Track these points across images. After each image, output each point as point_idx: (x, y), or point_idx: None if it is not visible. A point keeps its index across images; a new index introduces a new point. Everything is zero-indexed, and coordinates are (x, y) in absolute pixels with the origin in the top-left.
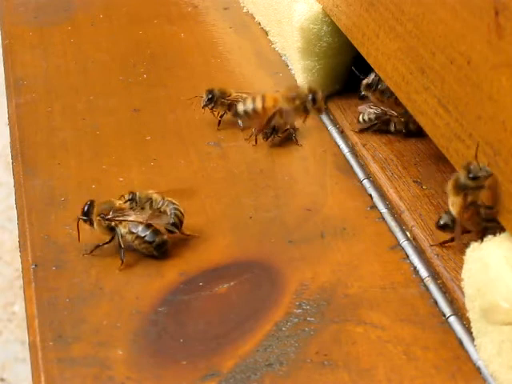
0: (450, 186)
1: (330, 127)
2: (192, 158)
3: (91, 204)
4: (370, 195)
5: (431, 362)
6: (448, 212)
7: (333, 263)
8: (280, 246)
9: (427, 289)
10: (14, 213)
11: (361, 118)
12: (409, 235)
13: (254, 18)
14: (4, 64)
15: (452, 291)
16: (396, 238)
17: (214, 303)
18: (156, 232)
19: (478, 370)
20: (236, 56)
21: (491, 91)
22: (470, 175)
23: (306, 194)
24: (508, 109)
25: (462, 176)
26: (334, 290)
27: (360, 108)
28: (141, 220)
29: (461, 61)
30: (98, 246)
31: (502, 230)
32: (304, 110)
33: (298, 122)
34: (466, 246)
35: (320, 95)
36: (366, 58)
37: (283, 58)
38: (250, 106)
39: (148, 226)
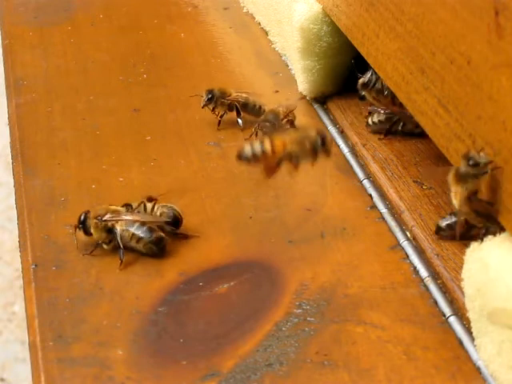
0: (451, 176)
1: (330, 127)
2: (192, 158)
3: (87, 213)
4: (370, 195)
5: (431, 361)
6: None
7: (333, 263)
8: (280, 246)
9: (427, 289)
10: (14, 213)
11: (370, 121)
12: (409, 235)
13: (254, 18)
14: (4, 64)
15: (452, 291)
16: (396, 238)
17: (214, 303)
18: (152, 229)
19: (478, 370)
20: (236, 56)
21: (491, 91)
22: (471, 162)
23: (306, 194)
24: (508, 109)
25: (462, 165)
26: (334, 290)
27: (369, 109)
28: (137, 218)
29: (461, 61)
30: (98, 245)
31: (502, 229)
32: (313, 153)
33: (297, 122)
34: (466, 246)
35: (329, 138)
36: (365, 57)
37: (283, 58)
38: (258, 148)
39: (143, 223)
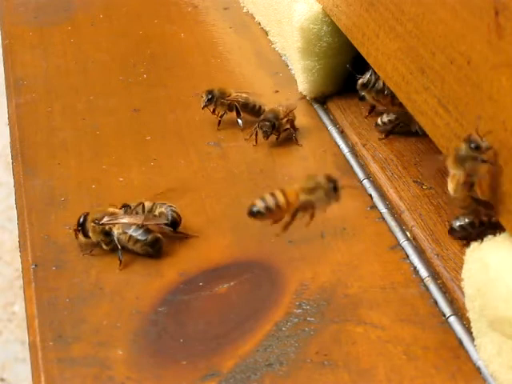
0: (450, 159)
1: (330, 127)
2: (192, 158)
3: (86, 216)
4: (370, 195)
5: (431, 361)
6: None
7: (333, 263)
8: (280, 246)
9: (427, 289)
10: (14, 213)
11: (379, 121)
12: (409, 235)
13: (254, 18)
14: (4, 64)
15: (452, 291)
16: (396, 238)
17: (214, 303)
18: (148, 230)
19: (478, 370)
20: (236, 56)
21: (491, 91)
22: (472, 145)
23: None
24: (508, 109)
25: (463, 148)
26: (334, 290)
27: (380, 109)
28: (134, 222)
29: (461, 61)
30: (97, 245)
31: (502, 229)
32: (326, 200)
33: (297, 122)
34: (466, 246)
35: (339, 184)
36: (365, 58)
37: (283, 58)
38: (271, 202)
39: (140, 225)
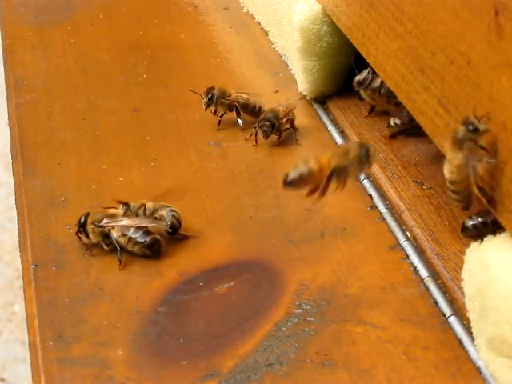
0: (448, 142)
1: (330, 127)
2: (192, 158)
3: (86, 216)
4: (370, 195)
5: (431, 361)
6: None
7: (333, 263)
8: (280, 246)
9: (427, 289)
10: (14, 213)
11: (392, 122)
12: (409, 235)
13: (254, 18)
14: (4, 64)
15: (452, 291)
16: (396, 238)
17: (214, 303)
18: (147, 232)
19: (478, 370)
20: (236, 56)
21: (491, 91)
22: (470, 127)
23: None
24: (508, 109)
25: (460, 130)
26: (334, 290)
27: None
28: (133, 224)
29: (461, 61)
30: (97, 245)
31: (502, 229)
32: (358, 165)
33: (297, 122)
34: (466, 246)
35: (371, 149)
36: (365, 57)
37: (283, 58)
38: (304, 169)
39: (139, 227)
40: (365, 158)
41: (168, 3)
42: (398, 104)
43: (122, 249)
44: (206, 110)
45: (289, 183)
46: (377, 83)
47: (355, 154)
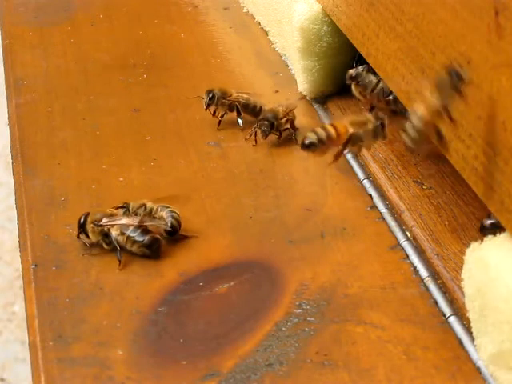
0: (428, 85)
1: None
2: (192, 158)
3: (86, 216)
4: (370, 195)
5: (431, 361)
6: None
7: (333, 263)
8: (280, 246)
9: (427, 289)
10: (14, 213)
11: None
12: (409, 235)
13: (254, 18)
14: (4, 64)
15: (452, 291)
16: (396, 238)
17: (214, 303)
18: (146, 231)
19: (478, 370)
20: (236, 56)
21: (491, 91)
22: (453, 73)
23: (306, 193)
24: (508, 109)
25: (443, 76)
26: (334, 290)
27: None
28: (132, 223)
29: (461, 61)
30: (98, 244)
31: (502, 229)
32: (373, 136)
33: (297, 122)
34: (466, 246)
35: (387, 121)
36: (366, 57)
37: (283, 58)
38: (323, 134)
39: (138, 226)
40: (380, 129)
41: (168, 3)
42: (388, 103)
43: (122, 248)
44: (206, 109)
45: (307, 146)
46: (371, 81)
47: (371, 124)
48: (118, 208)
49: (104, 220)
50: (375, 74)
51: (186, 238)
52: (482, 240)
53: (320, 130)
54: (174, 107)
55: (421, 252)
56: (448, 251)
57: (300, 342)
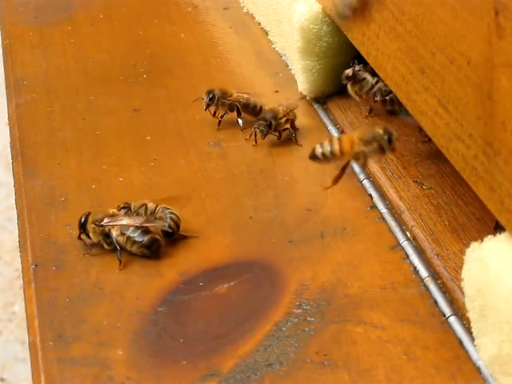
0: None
1: (330, 127)
2: (192, 158)
3: (87, 216)
4: (370, 195)
5: (431, 361)
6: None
7: (333, 263)
8: (280, 246)
9: (427, 289)
10: (14, 213)
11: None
12: (409, 235)
13: (254, 18)
14: (4, 64)
15: (452, 291)
16: (396, 238)
17: (214, 303)
18: (146, 232)
19: (478, 370)
20: (236, 56)
21: (491, 91)
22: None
23: (306, 194)
24: (508, 109)
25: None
26: (334, 290)
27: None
28: (133, 223)
29: (461, 61)
30: (98, 243)
31: (502, 230)
32: (380, 151)
33: (298, 122)
34: (466, 246)
35: (395, 135)
36: (365, 58)
37: (283, 58)
38: (327, 149)
39: (138, 227)
40: (387, 143)
41: (168, 3)
42: (385, 102)
43: (122, 249)
44: (206, 109)
45: (312, 158)
46: (367, 81)
47: (378, 140)
48: (120, 209)
49: (105, 220)
50: (371, 74)
51: (185, 238)
52: (482, 240)
53: (326, 145)
54: (174, 107)
55: (421, 252)
56: (448, 251)
57: (300, 342)
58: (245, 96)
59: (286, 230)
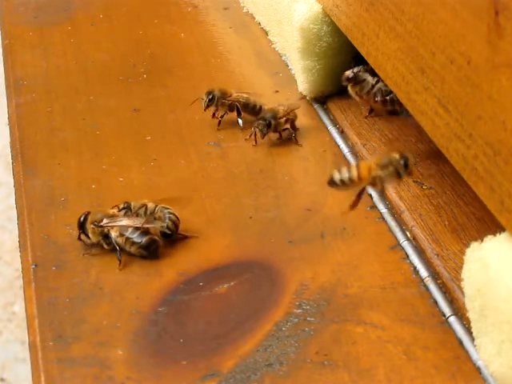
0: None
1: (330, 127)
2: (192, 158)
3: (86, 216)
4: (370, 195)
5: (431, 361)
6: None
7: (333, 263)
8: (280, 246)
9: (427, 289)
10: (14, 213)
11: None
12: (409, 235)
13: (254, 18)
14: (4, 64)
15: (452, 291)
16: (396, 238)
17: (214, 303)
18: (145, 233)
19: (478, 370)
20: (236, 56)
21: (491, 91)
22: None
23: (306, 194)
24: (508, 109)
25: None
26: (334, 290)
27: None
28: (132, 224)
29: (461, 61)
30: (97, 243)
31: (502, 229)
32: (397, 175)
33: (298, 122)
34: (466, 246)
35: (411, 160)
36: (366, 57)
37: (283, 58)
38: (345, 175)
39: (137, 228)
40: (403, 168)
41: (168, 3)
42: (385, 103)
43: (121, 249)
44: (205, 110)
45: (331, 184)
46: (367, 82)
47: (395, 165)
48: (120, 209)
49: (104, 221)
50: (371, 74)
51: (185, 237)
52: (482, 240)
53: (344, 172)
54: (174, 107)
55: (421, 252)
56: (448, 251)
57: (300, 342)
58: (244, 96)
59: (286, 230)
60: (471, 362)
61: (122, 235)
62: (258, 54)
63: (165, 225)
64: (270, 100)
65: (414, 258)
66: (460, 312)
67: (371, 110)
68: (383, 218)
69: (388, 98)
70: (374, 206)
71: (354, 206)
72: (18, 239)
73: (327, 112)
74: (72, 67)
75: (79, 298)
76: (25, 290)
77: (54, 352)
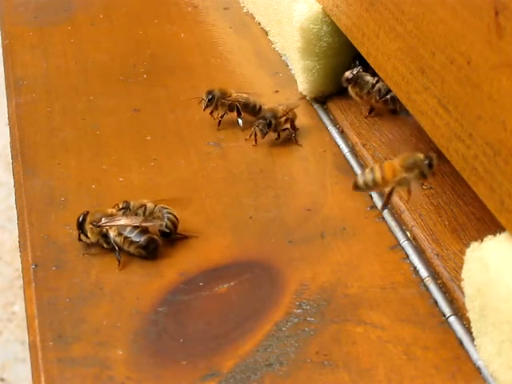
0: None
1: (330, 127)
2: (192, 158)
3: (85, 215)
4: (370, 195)
5: (431, 361)
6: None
7: (333, 263)
8: (280, 246)
9: (427, 289)
10: (14, 213)
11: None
12: (409, 235)
13: (254, 18)
14: (4, 64)
15: (452, 291)
16: (396, 237)
17: (214, 303)
18: (143, 232)
19: (478, 370)
20: (236, 56)
21: (491, 91)
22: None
23: (306, 193)
24: (508, 109)
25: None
26: (334, 290)
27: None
28: (130, 223)
29: (461, 61)
30: (97, 244)
31: (502, 229)
32: (421, 176)
33: (298, 122)
34: (466, 246)
35: (436, 160)
36: (366, 57)
37: (283, 58)
38: (369, 177)
39: (136, 227)
40: (428, 169)
41: (168, 3)
42: (387, 102)
43: (120, 249)
44: (204, 109)
45: (356, 188)
46: (367, 82)
47: (419, 166)
48: (119, 209)
49: (103, 220)
50: (371, 74)
51: (185, 237)
52: (482, 240)
53: (368, 174)
54: (174, 107)
55: (421, 252)
56: (448, 251)
57: (300, 342)
58: (244, 96)
59: (286, 230)
60: (471, 362)
61: (120, 234)
62: (258, 54)
63: (163, 223)
64: (270, 100)
65: (414, 258)
66: (460, 312)
67: (371, 110)
68: (383, 218)
69: (389, 96)
70: (373, 206)
71: (386, 204)
72: (18, 239)
73: (327, 112)
74: (72, 67)
75: (79, 298)
76: (25, 290)
77: (54, 352)
